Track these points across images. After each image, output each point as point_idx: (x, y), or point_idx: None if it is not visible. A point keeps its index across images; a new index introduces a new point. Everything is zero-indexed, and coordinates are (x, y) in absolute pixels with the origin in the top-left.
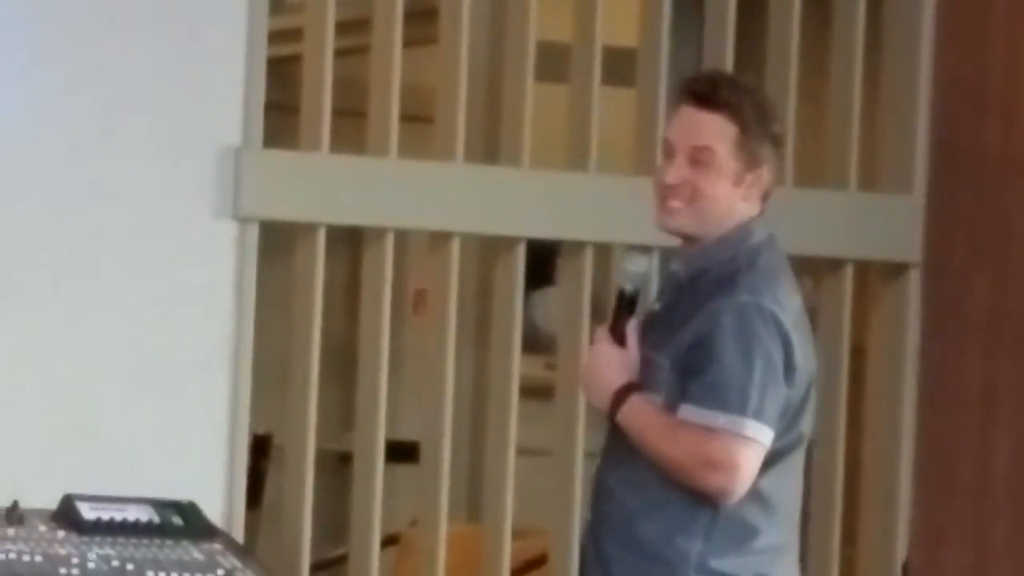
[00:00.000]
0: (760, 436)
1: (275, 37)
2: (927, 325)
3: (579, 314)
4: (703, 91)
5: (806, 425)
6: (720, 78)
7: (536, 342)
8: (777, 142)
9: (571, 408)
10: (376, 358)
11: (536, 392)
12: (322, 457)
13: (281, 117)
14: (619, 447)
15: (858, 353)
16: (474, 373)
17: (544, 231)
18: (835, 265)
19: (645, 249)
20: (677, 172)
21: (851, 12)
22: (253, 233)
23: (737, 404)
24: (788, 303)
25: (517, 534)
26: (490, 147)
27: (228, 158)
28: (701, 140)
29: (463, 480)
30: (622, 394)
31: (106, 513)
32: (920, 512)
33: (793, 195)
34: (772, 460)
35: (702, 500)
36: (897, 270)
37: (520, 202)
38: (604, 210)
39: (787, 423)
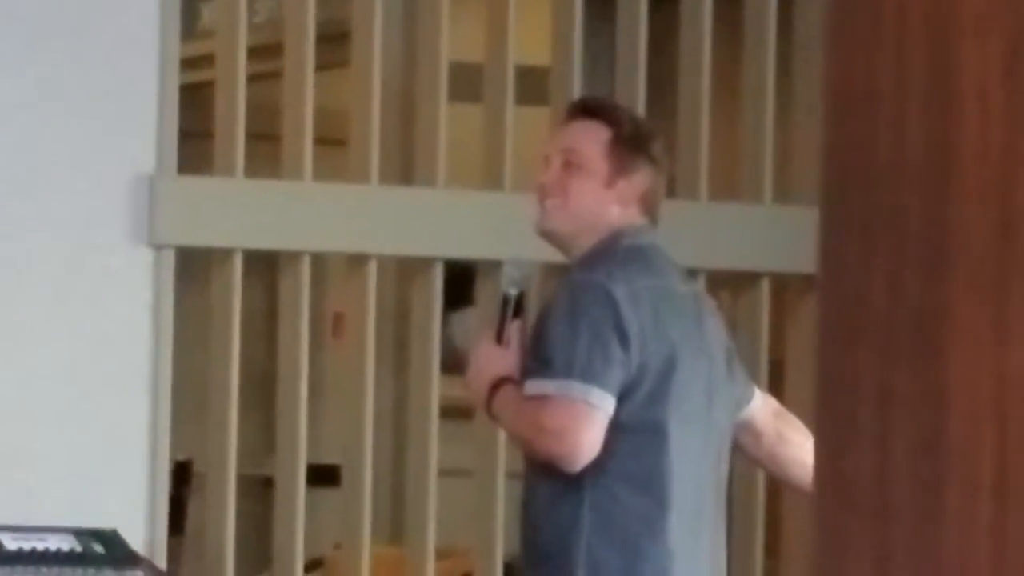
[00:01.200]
0: (591, 397)
1: (187, 63)
2: (824, 331)
3: None
4: (582, 104)
5: (680, 405)
6: (601, 97)
7: (455, 362)
8: (655, 162)
9: (491, 428)
10: (295, 382)
11: (456, 412)
12: (243, 482)
13: (195, 143)
14: (529, 470)
15: (776, 366)
16: (394, 395)
17: (461, 251)
18: (752, 278)
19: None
20: (551, 173)
21: (762, 27)
22: (169, 259)
23: (563, 369)
24: (626, 279)
25: (440, 555)
26: (405, 168)
27: (143, 185)
28: (570, 143)
29: (385, 502)
30: (494, 388)
31: (27, 543)
32: (821, 520)
33: (708, 209)
34: (640, 434)
35: (573, 488)
36: (814, 282)
37: (436, 222)
38: (521, 228)
39: (647, 397)
